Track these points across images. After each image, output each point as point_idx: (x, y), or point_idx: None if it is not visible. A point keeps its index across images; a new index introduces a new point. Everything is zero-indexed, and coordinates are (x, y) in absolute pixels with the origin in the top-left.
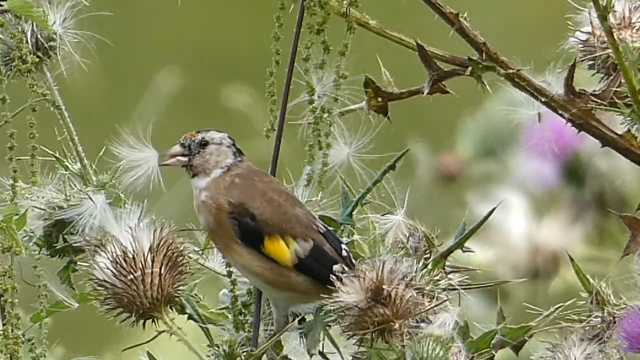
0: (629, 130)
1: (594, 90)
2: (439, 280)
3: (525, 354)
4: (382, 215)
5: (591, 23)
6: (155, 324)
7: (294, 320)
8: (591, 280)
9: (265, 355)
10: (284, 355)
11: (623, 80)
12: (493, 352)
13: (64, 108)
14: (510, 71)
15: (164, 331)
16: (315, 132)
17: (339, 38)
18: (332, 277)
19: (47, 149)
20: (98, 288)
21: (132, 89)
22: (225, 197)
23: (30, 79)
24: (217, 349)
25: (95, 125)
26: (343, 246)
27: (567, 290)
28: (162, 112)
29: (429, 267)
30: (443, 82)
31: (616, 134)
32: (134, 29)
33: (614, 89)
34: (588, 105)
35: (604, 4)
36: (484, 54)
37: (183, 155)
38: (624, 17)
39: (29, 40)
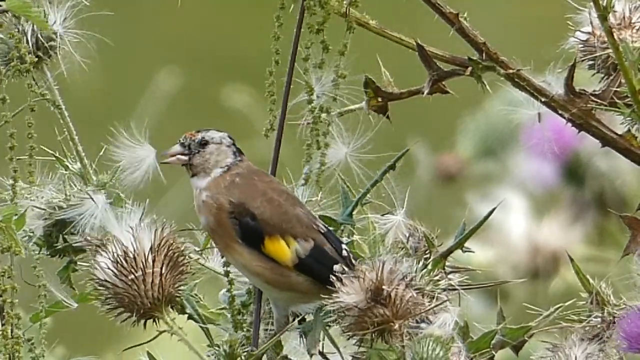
0: (629, 130)
1: (594, 90)
2: (439, 280)
3: (525, 354)
4: (382, 215)
5: (591, 23)
6: (156, 324)
7: (294, 320)
8: (591, 281)
9: (265, 355)
10: (284, 355)
11: (623, 80)
12: (493, 352)
13: (64, 108)
14: (510, 71)
15: (164, 331)
16: (313, 131)
17: (339, 38)
18: (332, 278)
19: (47, 149)
20: (99, 288)
21: (132, 89)
22: (225, 196)
23: (29, 79)
24: (217, 349)
25: (95, 125)
26: (343, 246)
27: (567, 291)
28: (162, 112)
29: (429, 267)
30: (443, 82)
31: (616, 134)
32: (134, 29)
33: (614, 89)
34: (588, 105)
35: (604, 4)
36: (484, 54)
37: (183, 154)
38: (624, 17)
39: (29, 40)
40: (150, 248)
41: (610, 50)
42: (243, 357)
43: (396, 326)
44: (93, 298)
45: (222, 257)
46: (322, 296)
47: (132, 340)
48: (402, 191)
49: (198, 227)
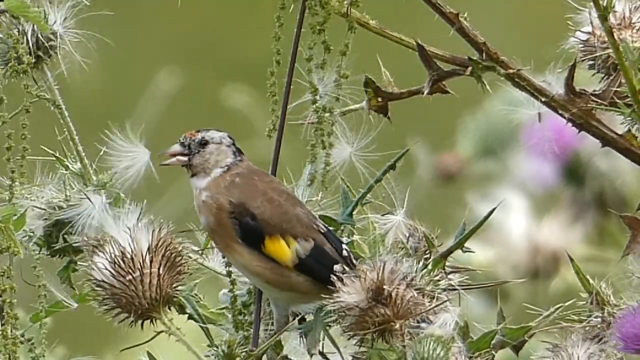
0: (629, 130)
1: (594, 90)
2: (439, 280)
3: (525, 354)
4: (382, 215)
5: (591, 23)
6: (153, 324)
7: (294, 320)
8: (591, 281)
9: (265, 355)
10: (284, 355)
11: (623, 80)
12: (493, 352)
13: (64, 108)
14: (511, 71)
15: (162, 331)
16: (318, 131)
17: (339, 38)
18: (333, 277)
19: (47, 149)
20: (96, 289)
21: (132, 89)
22: (225, 196)
23: (26, 79)
24: (216, 349)
25: (95, 125)
26: (344, 246)
27: (567, 291)
28: (162, 112)
29: (429, 267)
30: (443, 82)
31: (616, 133)
32: (134, 29)
33: (614, 89)
34: (588, 105)
35: (605, 4)
36: (484, 54)
37: (183, 154)
38: (624, 17)
39: (29, 40)
40: (148, 248)
41: (610, 50)
42: (242, 357)
43: (397, 326)
44: (91, 298)
45: (223, 257)
46: (322, 296)
47: (131, 340)
48: (402, 191)
49: (198, 227)
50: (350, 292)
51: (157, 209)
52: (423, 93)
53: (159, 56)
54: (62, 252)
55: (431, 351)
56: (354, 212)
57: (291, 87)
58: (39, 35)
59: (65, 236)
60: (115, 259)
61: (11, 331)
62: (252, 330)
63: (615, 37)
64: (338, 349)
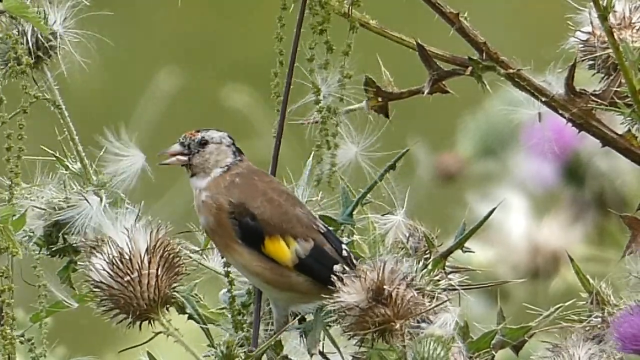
0: (629, 130)
1: (595, 90)
2: (439, 280)
3: (525, 354)
4: (382, 215)
5: (591, 23)
6: (152, 325)
7: (293, 320)
8: (591, 281)
9: (265, 355)
10: (284, 355)
11: (623, 80)
12: (493, 352)
13: (64, 108)
14: (511, 71)
15: (160, 332)
16: (322, 132)
17: (340, 38)
18: (333, 277)
19: (47, 149)
20: (94, 289)
21: (132, 89)
22: (225, 196)
23: (24, 80)
24: (215, 349)
25: (95, 125)
26: (343, 246)
27: (567, 290)
28: (162, 112)
29: (429, 267)
30: (443, 82)
31: (616, 133)
32: (134, 29)
33: (614, 88)
34: (588, 105)
35: (604, 4)
36: (484, 54)
37: (182, 154)
38: (624, 17)
39: (29, 40)
40: (146, 249)
41: (610, 50)
42: (241, 358)
43: (397, 326)
44: (90, 299)
45: (222, 257)
46: (322, 296)
47: (131, 340)
48: (402, 191)
49: (198, 227)
50: (350, 292)
51: (156, 209)
52: (423, 93)
53: (159, 56)
54: (62, 252)
55: (431, 351)
56: (354, 212)
57: (291, 87)
58: (39, 35)
59: (65, 236)
60: (113, 260)
61: (11, 331)
62: (251, 330)
63: (615, 37)
64: (338, 349)
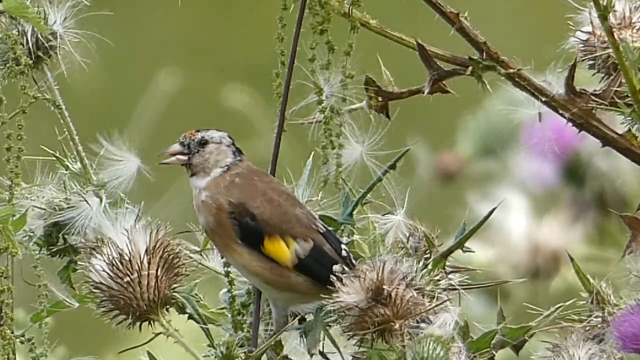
0: (629, 130)
1: (595, 90)
2: (439, 280)
3: (525, 353)
4: (383, 215)
5: (591, 23)
6: (152, 325)
7: (293, 320)
8: (591, 280)
9: (265, 355)
10: (284, 355)
11: (623, 80)
12: (493, 352)
13: (64, 108)
14: (511, 71)
15: (160, 333)
16: (326, 132)
17: (340, 38)
18: (332, 278)
19: (47, 149)
20: (94, 290)
21: (132, 89)
22: (225, 196)
23: (23, 80)
24: (215, 350)
25: (95, 125)
26: (343, 246)
27: (567, 290)
28: (162, 112)
29: (429, 267)
30: (443, 82)
31: (617, 133)
32: (134, 29)
33: (615, 88)
34: (588, 105)
35: (605, 4)
36: (484, 54)
37: (182, 153)
38: (624, 17)
39: (29, 40)
40: (146, 250)
41: (610, 50)
42: (241, 358)
43: (397, 326)
44: (90, 300)
45: (222, 257)
46: (322, 296)
47: (131, 340)
48: (402, 191)
49: (198, 227)
50: (349, 292)
51: (156, 209)
52: (423, 93)
53: (159, 56)
54: (62, 252)
55: (431, 351)
56: (354, 212)
57: (291, 87)
58: (39, 35)
59: (65, 237)
60: (113, 261)
61: (11, 332)
62: (251, 330)
63: (615, 36)
64: (338, 349)
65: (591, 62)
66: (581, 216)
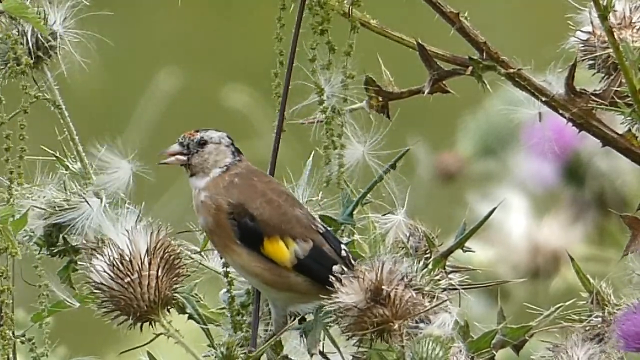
0: (629, 130)
1: (595, 90)
2: (439, 280)
3: (525, 353)
4: (383, 215)
5: (592, 23)
6: (152, 326)
7: (293, 320)
8: (591, 280)
9: (265, 355)
10: (284, 355)
11: (624, 80)
12: (493, 351)
13: (64, 108)
14: (511, 70)
15: (161, 334)
16: (328, 132)
17: (340, 38)
18: (332, 278)
19: (47, 149)
20: (95, 291)
21: (132, 89)
22: (224, 197)
23: (23, 80)
24: (215, 350)
25: (95, 125)
26: (342, 246)
27: (567, 290)
28: (162, 112)
29: (430, 266)
30: (443, 82)
31: (617, 133)
32: (134, 29)
33: (615, 88)
34: (589, 104)
35: (605, 4)
36: (484, 54)
37: (182, 154)
38: (624, 17)
39: (29, 40)
40: (146, 251)
41: (610, 50)
42: (241, 358)
43: (395, 326)
44: (91, 300)
45: (221, 257)
46: (321, 296)
47: (132, 340)
48: (403, 191)
49: (198, 227)
50: (348, 293)
51: (156, 209)
52: (423, 93)
53: (159, 56)
54: (62, 252)
55: (430, 351)
56: (355, 212)
57: (290, 87)
58: (39, 35)
59: (66, 237)
60: (114, 262)
61: (12, 332)
62: (250, 330)
63: (616, 36)
64: (338, 349)
65: (591, 62)
66: (581, 216)
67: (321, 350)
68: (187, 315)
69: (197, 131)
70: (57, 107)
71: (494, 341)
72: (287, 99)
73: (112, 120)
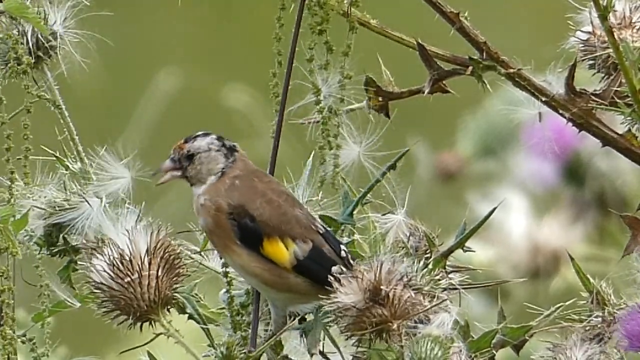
0: (629, 130)
1: (595, 90)
2: (439, 279)
3: (525, 353)
4: (383, 214)
5: (592, 23)
6: (152, 326)
7: (293, 320)
8: (592, 280)
9: (265, 355)
10: (284, 355)
11: (623, 80)
12: (494, 351)
13: (64, 108)
14: (511, 70)
15: (161, 333)
16: (324, 132)
17: (340, 38)
18: (331, 278)
19: (47, 149)
20: (95, 291)
21: (132, 89)
22: (225, 199)
23: (25, 80)
24: (215, 350)
25: (95, 125)
26: (342, 247)
27: (567, 290)
28: (162, 112)
29: (430, 266)
30: (444, 82)
31: (617, 133)
32: (134, 29)
33: (615, 88)
34: (589, 104)
35: (605, 4)
36: (484, 54)
37: (175, 169)
38: (624, 17)
39: (29, 40)
40: (147, 251)
41: (610, 50)
42: (241, 358)
43: (394, 326)
44: (91, 300)
45: (220, 258)
46: (321, 297)
47: (132, 340)
48: (403, 190)
49: (197, 227)
50: (347, 293)
51: (156, 209)
52: (423, 92)
53: (159, 56)
54: (62, 252)
55: (429, 351)
56: (355, 212)
57: (290, 87)
58: (39, 35)
59: (66, 237)
60: (114, 262)
61: (13, 332)
62: (250, 330)
63: (616, 36)
64: (338, 348)
65: (591, 62)
66: (581, 216)
67: (321, 350)
68: (187, 315)
69: (186, 141)
70: (57, 107)
71: (494, 341)
72: (286, 98)
73: (112, 120)
